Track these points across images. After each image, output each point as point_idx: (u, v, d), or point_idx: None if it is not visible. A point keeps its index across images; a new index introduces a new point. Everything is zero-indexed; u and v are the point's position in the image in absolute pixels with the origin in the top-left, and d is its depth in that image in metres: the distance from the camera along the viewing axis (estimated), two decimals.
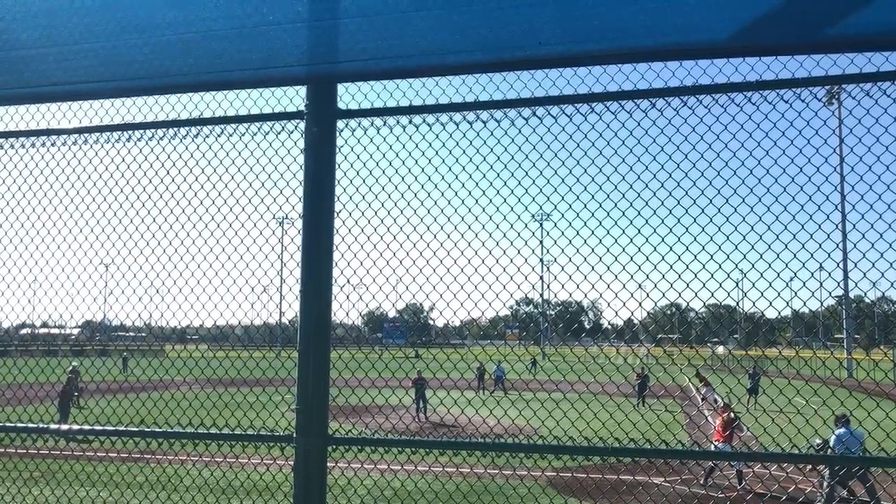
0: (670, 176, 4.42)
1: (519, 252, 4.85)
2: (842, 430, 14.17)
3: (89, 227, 5.69)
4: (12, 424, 5.45)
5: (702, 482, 16.92)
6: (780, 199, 4.24)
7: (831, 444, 13.99)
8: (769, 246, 4.28)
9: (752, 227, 4.32)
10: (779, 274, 4.32)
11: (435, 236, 4.87)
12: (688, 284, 4.43)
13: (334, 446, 4.55)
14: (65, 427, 5.38)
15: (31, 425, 5.41)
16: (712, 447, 17.52)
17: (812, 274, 4.36)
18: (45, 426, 5.38)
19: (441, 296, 4.81)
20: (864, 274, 4.12)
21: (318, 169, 4.67)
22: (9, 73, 4.55)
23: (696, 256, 4.42)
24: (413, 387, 27.09)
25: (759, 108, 4.27)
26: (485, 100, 4.60)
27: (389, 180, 4.89)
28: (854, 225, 4.12)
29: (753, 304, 4.38)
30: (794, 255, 4.20)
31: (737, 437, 17.65)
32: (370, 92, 4.82)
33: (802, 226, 4.17)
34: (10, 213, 5.87)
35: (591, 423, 5.13)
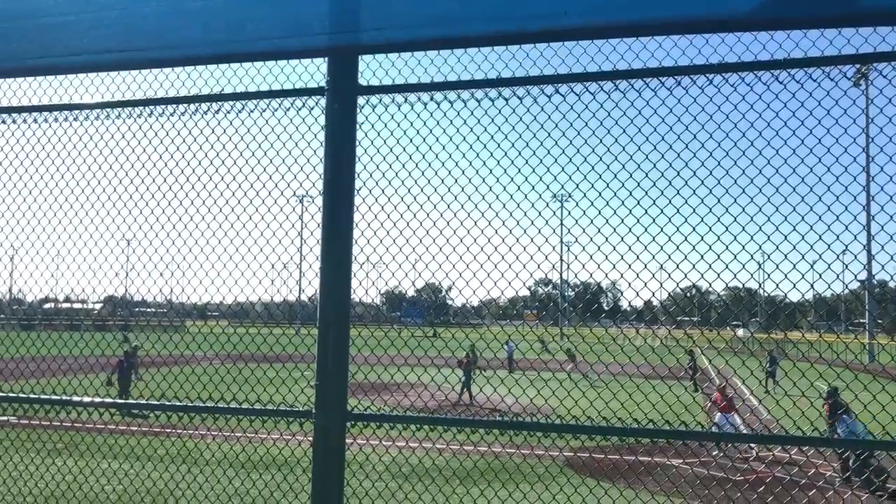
0: (694, 155, 4.36)
1: (540, 231, 4.81)
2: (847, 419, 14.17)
3: (111, 202, 5.72)
4: (36, 396, 5.52)
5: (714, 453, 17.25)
6: (807, 179, 4.17)
7: (840, 431, 13.97)
8: (794, 227, 4.22)
9: (777, 209, 4.25)
10: (803, 256, 4.26)
11: (455, 214, 4.85)
12: (710, 266, 4.39)
13: (353, 422, 4.57)
14: (87, 399, 5.43)
15: (54, 397, 5.47)
16: (717, 416, 19.50)
17: (837, 256, 4.29)
18: (69, 398, 5.44)
19: (461, 274, 4.80)
20: (892, 257, 4.04)
21: (338, 146, 4.65)
22: (31, 42, 4.56)
23: (719, 237, 4.37)
24: (461, 367, 27.30)
25: (786, 86, 4.19)
26: (507, 76, 4.55)
27: (410, 158, 4.86)
28: (882, 207, 4.05)
29: (777, 286, 4.33)
30: (820, 237, 4.14)
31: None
32: (391, 68, 4.79)
33: (829, 207, 4.10)
34: (34, 187, 5.91)
35: (610, 403, 5.12)
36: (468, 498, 12.79)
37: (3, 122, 5.75)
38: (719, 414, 19.39)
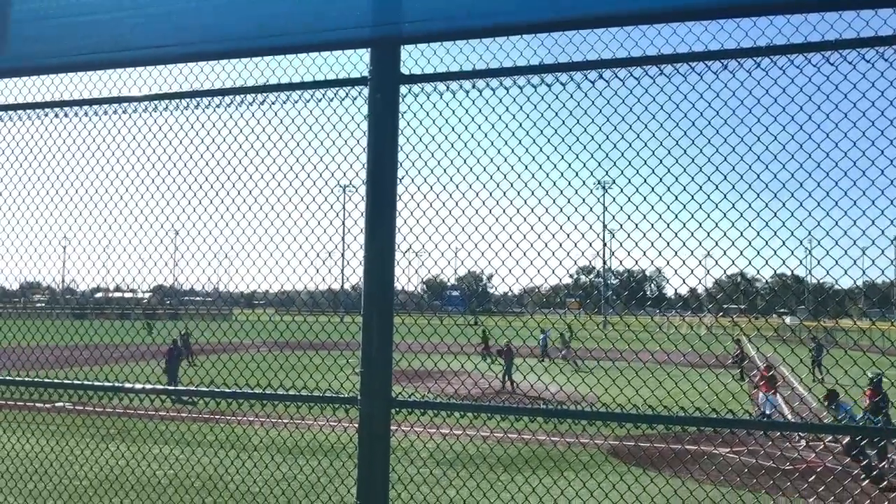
0: (741, 140, 4.28)
1: (583, 218, 4.78)
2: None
3: (160, 193, 5.83)
4: (90, 383, 5.67)
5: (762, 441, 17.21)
6: (859, 163, 4.06)
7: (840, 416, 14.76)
8: (845, 212, 4.11)
9: (828, 193, 4.14)
10: (855, 241, 4.15)
11: (497, 202, 4.84)
12: (758, 252, 4.31)
13: (397, 409, 4.60)
14: (138, 386, 5.56)
15: (106, 384, 5.62)
16: (760, 397, 20.72)
17: (892, 241, 4.17)
18: (121, 385, 5.59)
19: (503, 262, 4.79)
20: None
21: (380, 135, 4.68)
22: (83, 38, 4.67)
23: (767, 223, 4.28)
24: (500, 356, 27.41)
25: (837, 68, 4.08)
26: (549, 62, 4.51)
27: (452, 146, 4.86)
28: None
29: (828, 272, 4.23)
30: (873, 222, 4.03)
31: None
32: (433, 57, 4.78)
33: (882, 191, 3.99)
34: (85, 179, 6.05)
35: (656, 392, 5.08)
36: (512, 485, 12.81)
37: (56, 115, 5.89)
38: (761, 393, 20.56)
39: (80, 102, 5.75)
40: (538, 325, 36.27)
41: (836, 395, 16.23)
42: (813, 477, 13.65)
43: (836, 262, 4.17)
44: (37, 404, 14.39)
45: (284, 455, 13.89)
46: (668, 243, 4.44)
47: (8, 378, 5.99)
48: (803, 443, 17.65)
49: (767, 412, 20.31)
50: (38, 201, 6.20)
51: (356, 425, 4.67)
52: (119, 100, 5.63)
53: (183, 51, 4.90)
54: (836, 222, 4.13)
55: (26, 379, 5.88)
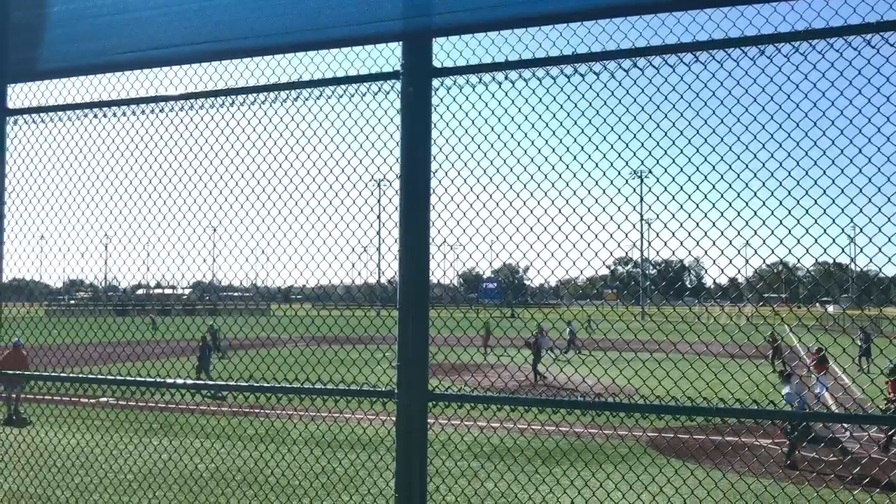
0: (780, 127, 4.20)
1: (619, 209, 4.74)
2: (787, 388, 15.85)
3: (197, 190, 5.90)
4: (132, 378, 5.77)
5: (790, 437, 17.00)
6: None
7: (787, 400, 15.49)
8: (888, 199, 4.01)
9: (870, 180, 4.05)
10: None
11: (532, 194, 4.81)
12: (798, 241, 4.23)
13: (434, 402, 4.61)
14: (179, 381, 5.65)
15: (148, 379, 5.72)
16: (813, 379, 21.24)
17: None
18: (163, 380, 5.68)
19: (538, 254, 4.77)
20: None
21: (414, 129, 4.68)
22: (120, 36, 4.74)
23: (807, 211, 4.20)
24: (529, 347, 27.29)
25: (879, 51, 3.98)
26: (583, 52, 4.47)
27: (485, 138, 4.84)
28: None
29: (870, 259, 4.13)
30: None
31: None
32: (465, 49, 4.77)
33: None
34: (125, 177, 6.15)
35: (695, 383, 5.02)
36: (551, 478, 12.79)
37: (95, 116, 6.00)
38: (813, 375, 21.22)
39: (118, 102, 5.84)
40: (560, 317, 36.10)
41: (788, 376, 16.67)
42: (858, 468, 13.41)
43: (880, 249, 4.08)
44: (81, 399, 14.71)
45: (323, 448, 14.01)
46: (705, 233, 4.39)
47: (53, 374, 6.12)
48: (847, 434, 17.33)
49: (817, 392, 20.86)
50: (79, 201, 6.32)
51: (394, 419, 4.69)
52: (156, 99, 5.70)
53: (215, 48, 4.95)
54: (880, 209, 4.04)
55: (71, 375, 6.00)
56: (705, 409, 4.24)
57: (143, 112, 5.79)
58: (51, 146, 6.36)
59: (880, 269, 4.27)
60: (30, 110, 6.20)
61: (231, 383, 5.37)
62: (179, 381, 5.65)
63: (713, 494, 9.82)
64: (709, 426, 17.20)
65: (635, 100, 4.50)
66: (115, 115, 5.92)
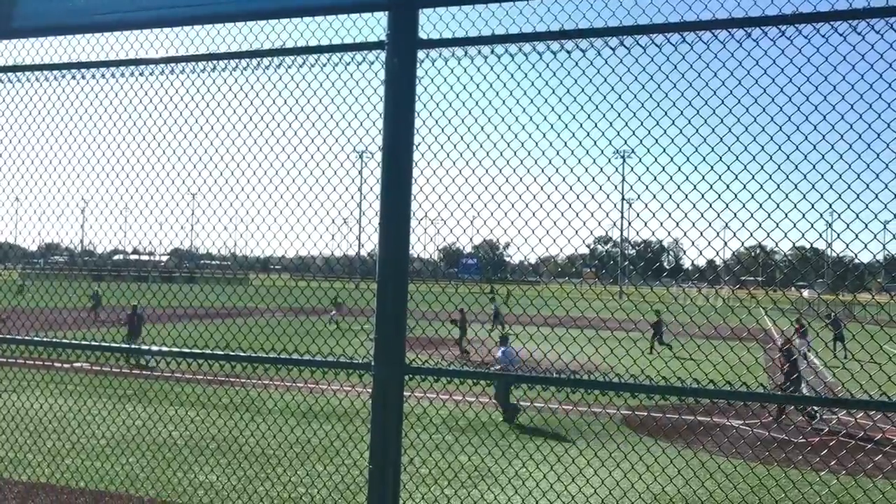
0: (763, 110, 4.20)
1: (601, 188, 4.73)
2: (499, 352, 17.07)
3: (176, 156, 5.83)
4: (107, 344, 5.73)
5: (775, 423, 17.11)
6: (883, 135, 3.98)
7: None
8: (867, 185, 4.04)
9: (850, 166, 4.08)
10: (876, 215, 4.09)
11: (514, 170, 4.79)
12: (777, 224, 4.25)
13: (411, 375, 4.62)
14: (155, 348, 5.61)
15: (113, 345, 5.67)
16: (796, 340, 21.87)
17: None
18: (137, 346, 5.64)
19: (519, 231, 4.76)
20: None
21: (397, 101, 4.63)
22: None
23: (787, 195, 4.22)
24: (454, 323, 27.27)
25: (864, 37, 3.99)
26: (570, 28, 4.43)
27: (469, 112, 4.81)
28: None
29: (847, 245, 4.17)
30: (895, 196, 3.96)
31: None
32: (452, 21, 4.71)
33: None
34: (102, 141, 6.06)
35: (670, 363, 5.06)
36: (524, 452, 12.93)
37: (74, 77, 5.89)
38: (798, 339, 22.88)
39: (97, 64, 5.73)
40: (538, 294, 36.23)
41: (505, 340, 17.89)
42: (825, 451, 13.66)
43: (857, 235, 4.11)
44: (55, 364, 14.61)
45: (299, 419, 14.04)
46: (685, 214, 4.40)
47: (27, 338, 6.06)
48: (818, 416, 17.65)
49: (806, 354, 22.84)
50: (55, 163, 6.23)
51: (370, 391, 4.70)
52: (136, 62, 5.60)
53: (198, 12, 4.87)
54: (858, 195, 4.06)
55: (45, 339, 5.94)
56: (678, 389, 4.28)
57: (122, 75, 5.69)
58: (27, 106, 6.25)
59: (856, 255, 4.31)
60: (5, 69, 6.08)
61: (207, 352, 5.33)
62: (154, 347, 5.61)
63: (684, 473, 9.97)
64: (681, 406, 17.44)
65: (621, 78, 4.48)
66: (93, 76, 5.81)
